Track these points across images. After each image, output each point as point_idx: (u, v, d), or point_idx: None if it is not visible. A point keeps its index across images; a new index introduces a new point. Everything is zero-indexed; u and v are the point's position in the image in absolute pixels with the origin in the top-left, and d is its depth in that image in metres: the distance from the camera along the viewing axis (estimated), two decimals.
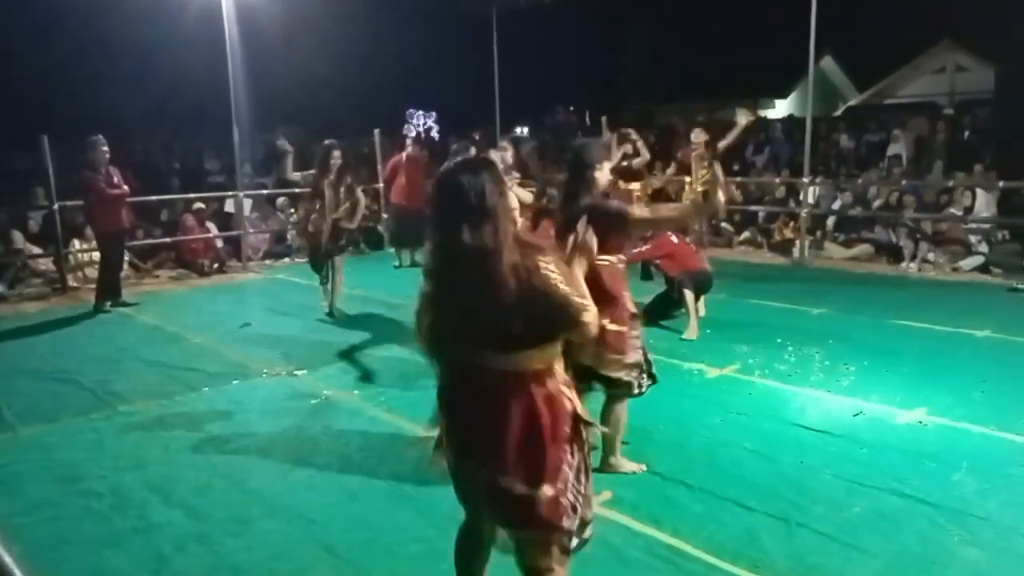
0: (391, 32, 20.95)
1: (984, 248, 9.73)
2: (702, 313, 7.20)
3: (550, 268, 2.14)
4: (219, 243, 11.64)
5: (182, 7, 12.31)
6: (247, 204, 11.90)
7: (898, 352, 6.11)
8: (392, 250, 11.80)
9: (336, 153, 7.54)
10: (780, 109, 24.35)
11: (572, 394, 2.33)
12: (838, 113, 21.35)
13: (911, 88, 23.96)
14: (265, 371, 5.98)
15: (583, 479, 2.33)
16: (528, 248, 2.17)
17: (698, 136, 8.74)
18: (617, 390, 3.90)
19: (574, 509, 2.28)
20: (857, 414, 4.83)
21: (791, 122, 15.67)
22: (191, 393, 5.62)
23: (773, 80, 24.33)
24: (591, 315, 2.18)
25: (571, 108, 27.67)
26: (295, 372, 5.98)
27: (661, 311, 7.28)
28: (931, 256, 9.92)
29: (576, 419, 2.30)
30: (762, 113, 23.49)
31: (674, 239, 7.23)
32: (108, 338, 7.34)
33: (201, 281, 10.61)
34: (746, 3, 23.43)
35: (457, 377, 2.31)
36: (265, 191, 13.28)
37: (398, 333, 6.80)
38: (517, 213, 2.30)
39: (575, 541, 2.34)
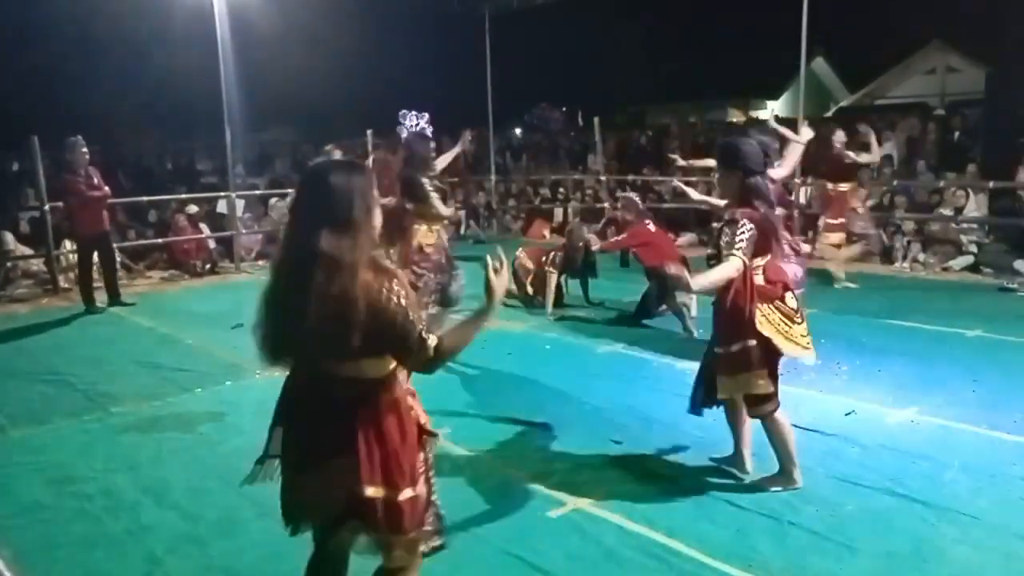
0: (384, 32, 20.92)
1: (974, 248, 9.78)
2: (694, 313, 7.21)
3: (400, 293, 2.09)
4: (212, 244, 11.61)
5: (173, 6, 12.28)
6: (240, 204, 11.86)
7: (890, 351, 6.13)
8: None
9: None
10: (772, 110, 24.42)
11: (416, 403, 2.35)
12: (830, 114, 21.43)
13: (902, 89, 24.07)
14: (258, 372, 5.96)
15: (432, 486, 2.38)
16: (381, 270, 2.11)
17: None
18: None
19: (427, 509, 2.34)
20: (849, 413, 4.85)
21: (782, 123, 15.68)
22: (184, 394, 5.61)
23: (765, 81, 24.42)
24: (430, 346, 2.14)
25: (563, 108, 27.70)
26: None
27: (644, 311, 7.30)
28: (922, 256, 9.97)
29: (420, 428, 2.32)
30: (754, 114, 23.60)
31: (651, 227, 7.26)
32: (100, 339, 7.31)
33: (194, 282, 10.58)
34: (738, 4, 23.49)
35: (301, 385, 2.25)
36: (258, 191, 13.25)
37: None
38: (377, 230, 2.19)
39: (432, 543, 2.39)
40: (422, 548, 2.35)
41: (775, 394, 3.78)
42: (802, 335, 3.78)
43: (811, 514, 3.59)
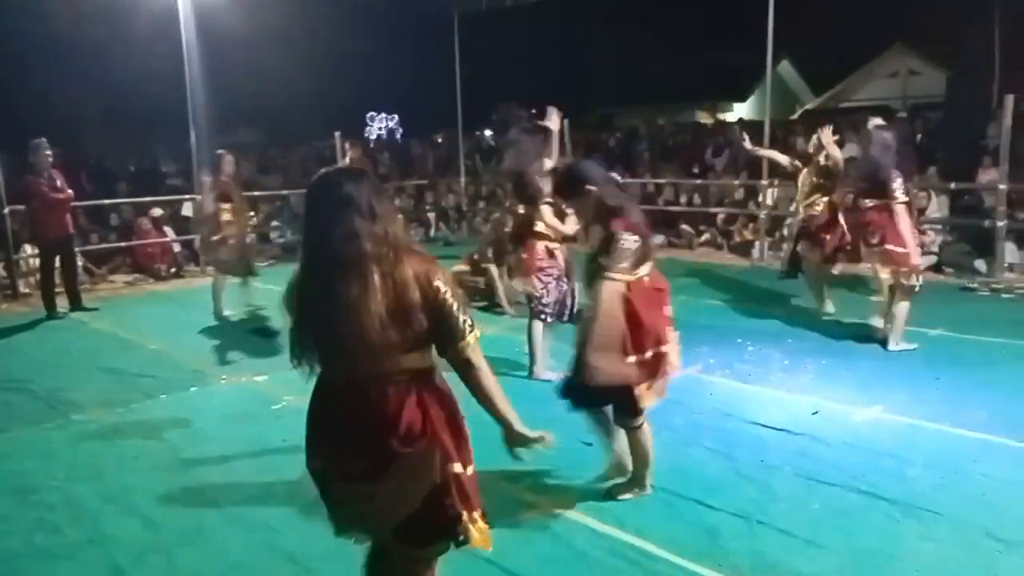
0: (352, 34, 20.77)
1: (936, 248, 9.95)
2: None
3: (447, 279, 2.15)
4: (176, 247, 11.44)
5: (138, 7, 12.10)
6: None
7: (855, 351, 6.22)
8: None
9: (229, 159, 7.95)
10: (738, 112, 24.68)
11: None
12: (795, 116, 21.70)
13: (866, 92, 24.46)
14: (224, 377, 5.89)
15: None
16: (425, 259, 2.17)
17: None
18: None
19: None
20: (816, 412, 4.91)
21: (749, 125, 15.88)
22: (148, 400, 5.51)
23: (732, 84, 24.66)
24: (474, 338, 2.22)
25: (532, 110, 27.72)
26: (255, 378, 5.89)
27: None
28: None
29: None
30: (721, 116, 23.83)
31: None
32: (61, 345, 7.17)
33: (158, 286, 10.42)
34: (705, 8, 23.72)
35: (353, 389, 2.17)
36: None
37: None
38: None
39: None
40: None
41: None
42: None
43: (779, 513, 3.62)
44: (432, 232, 14.74)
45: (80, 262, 9.54)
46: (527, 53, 25.34)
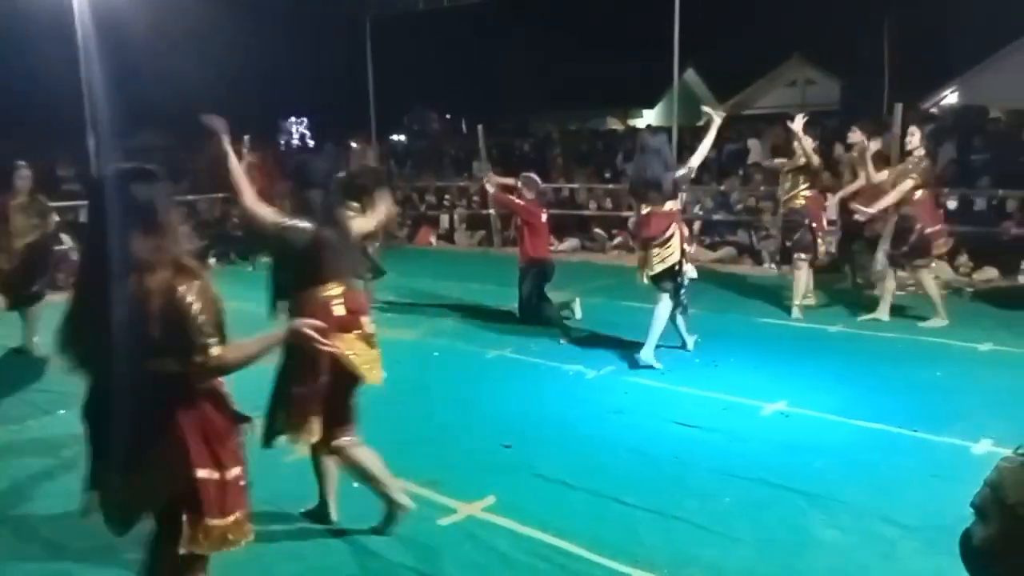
0: (263, 36, 20.28)
1: (833, 249, 10.40)
2: (578, 316, 7.36)
3: (195, 296, 2.20)
4: (75, 256, 10.90)
5: (31, 5, 11.49)
6: None
7: (762, 348, 6.45)
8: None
9: (25, 173, 6.91)
10: (648, 118, 25.28)
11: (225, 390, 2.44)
12: (701, 123, 22.37)
13: (766, 100, 25.44)
14: None
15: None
16: (184, 271, 2.22)
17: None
18: None
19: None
20: (726, 408, 5.07)
21: (658, 131, 16.28)
22: (45, 416, 5.23)
23: (641, 91, 25.25)
24: (213, 352, 2.23)
25: (447, 115, 27.71)
26: None
27: (531, 311, 7.36)
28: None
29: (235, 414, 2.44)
30: (631, 122, 24.36)
31: (543, 217, 7.33)
32: None
33: (55, 296, 9.89)
34: (614, 18, 24.24)
35: (110, 388, 2.25)
36: None
37: None
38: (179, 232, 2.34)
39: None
40: (236, 537, 2.41)
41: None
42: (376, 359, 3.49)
43: (693, 507, 3.71)
44: None
45: None
46: (441, 58, 25.32)
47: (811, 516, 3.62)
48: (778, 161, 8.14)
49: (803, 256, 7.36)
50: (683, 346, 6.36)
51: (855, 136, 7.86)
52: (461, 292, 8.98)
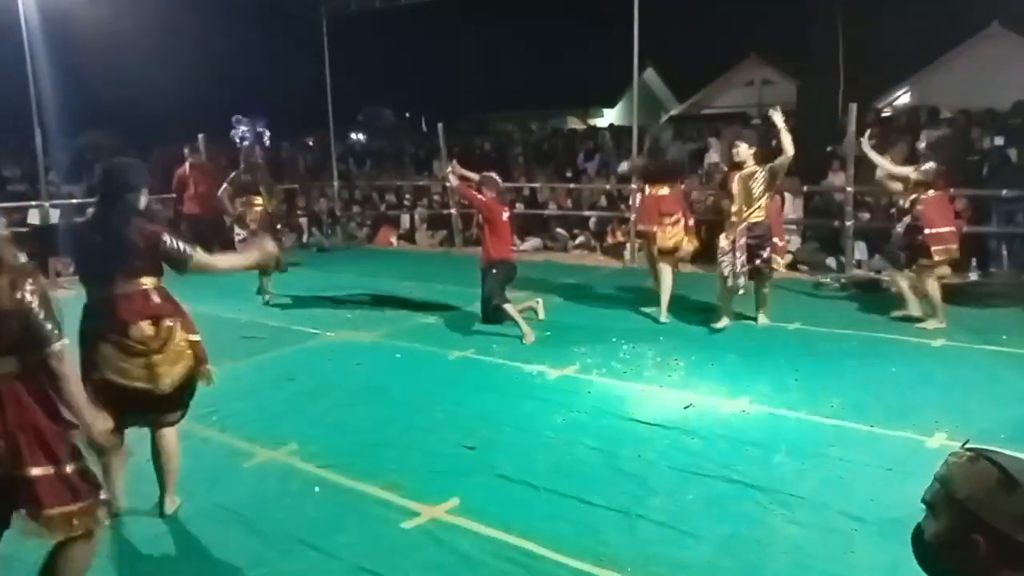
0: (218, 34, 19.93)
1: (792, 247, 10.58)
2: (541, 316, 7.36)
3: (34, 292, 2.40)
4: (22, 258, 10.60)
5: None
6: (55, 214, 10.93)
7: (722, 346, 6.51)
8: None
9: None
10: (608, 117, 25.42)
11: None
12: (662, 121, 22.58)
13: (725, 99, 25.76)
14: None
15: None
16: (16, 271, 2.42)
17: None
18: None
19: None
20: (688, 406, 5.10)
21: (618, 130, 16.36)
22: None
23: (601, 90, 25.38)
24: (62, 345, 2.46)
25: (406, 114, 27.55)
26: None
27: (495, 313, 7.32)
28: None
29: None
30: (592, 122, 24.48)
31: (505, 216, 7.24)
32: None
33: None
34: (574, 16, 24.34)
35: None
36: (75, 200, 12.25)
37: (229, 347, 6.45)
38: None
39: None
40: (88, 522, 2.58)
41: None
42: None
43: (656, 505, 3.73)
44: (305, 238, 14.34)
45: None
46: (399, 56, 25.18)
47: (771, 512, 3.67)
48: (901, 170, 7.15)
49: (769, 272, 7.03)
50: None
51: (742, 151, 6.91)
52: (423, 292, 8.92)
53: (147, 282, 3.53)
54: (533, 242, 12.71)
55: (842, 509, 3.64)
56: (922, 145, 7.14)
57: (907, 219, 6.88)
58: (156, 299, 3.54)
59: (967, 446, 1.49)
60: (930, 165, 6.73)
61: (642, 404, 5.19)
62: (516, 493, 3.92)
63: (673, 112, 26.27)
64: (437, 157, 14.35)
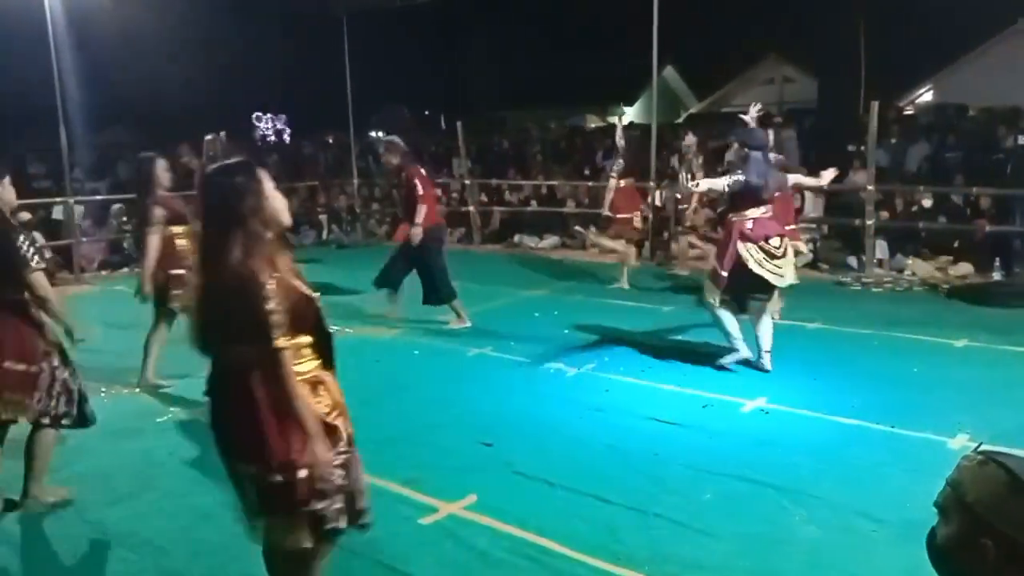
0: (238, 32, 20.07)
1: (812, 246, 10.51)
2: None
3: (271, 284, 2.28)
4: (47, 253, 10.75)
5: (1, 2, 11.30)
6: (79, 211, 11.06)
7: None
8: None
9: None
10: (628, 115, 25.33)
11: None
12: (680, 120, 22.48)
13: (745, 97, 25.49)
14: (104, 390, 5.57)
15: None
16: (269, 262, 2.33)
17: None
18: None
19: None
20: (706, 405, 5.09)
21: (637, 128, 16.30)
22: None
23: (620, 88, 25.28)
24: (280, 342, 2.29)
25: (425, 112, 27.60)
26: (137, 390, 5.61)
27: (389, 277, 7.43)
28: None
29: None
30: (610, 119, 24.37)
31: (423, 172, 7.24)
32: None
33: None
34: (593, 13, 24.25)
35: (218, 374, 2.43)
36: (99, 197, 12.40)
37: None
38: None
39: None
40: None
41: None
42: None
43: (673, 504, 3.73)
44: (325, 235, 14.43)
45: None
46: (417, 54, 25.21)
47: (789, 511, 3.65)
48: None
49: None
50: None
51: (689, 139, 9.22)
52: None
53: None
54: (551, 240, 12.70)
55: (861, 510, 3.62)
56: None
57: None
58: None
59: (979, 449, 1.48)
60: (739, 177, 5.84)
61: (659, 402, 5.18)
62: (533, 490, 3.93)
63: (692, 110, 26.15)
64: (456, 155, 14.38)
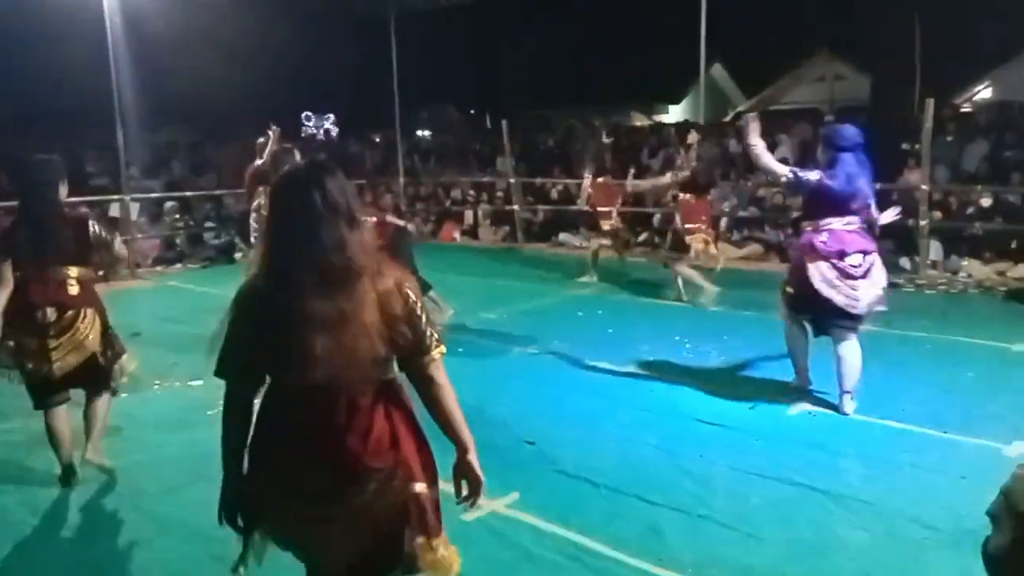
0: (288, 32, 20.40)
1: None
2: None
3: (417, 294, 2.10)
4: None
5: (59, 3, 11.66)
6: (134, 208, 11.36)
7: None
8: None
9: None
10: (674, 114, 25.11)
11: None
12: (728, 118, 22.19)
13: (794, 95, 25.14)
14: (157, 383, 5.72)
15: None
16: (399, 268, 2.11)
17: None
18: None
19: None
20: (752, 407, 5.03)
21: (683, 128, 16.15)
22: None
23: (667, 86, 25.06)
24: (439, 353, 2.14)
25: (471, 111, 27.72)
26: (190, 383, 5.73)
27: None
28: None
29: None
30: (657, 118, 24.19)
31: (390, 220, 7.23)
32: None
33: None
34: (639, 11, 24.06)
35: (310, 398, 2.01)
36: (154, 194, 12.71)
37: None
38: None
39: None
40: None
41: None
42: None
43: (719, 507, 3.69)
44: None
45: None
46: (464, 53, 25.30)
47: (837, 517, 3.59)
48: None
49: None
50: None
51: (692, 136, 9.07)
52: (485, 288, 8.99)
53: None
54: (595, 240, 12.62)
55: (913, 516, 3.54)
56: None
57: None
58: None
59: None
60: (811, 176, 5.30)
61: (705, 403, 5.13)
62: (576, 489, 3.93)
63: (740, 108, 25.78)
64: (501, 154, 14.42)
